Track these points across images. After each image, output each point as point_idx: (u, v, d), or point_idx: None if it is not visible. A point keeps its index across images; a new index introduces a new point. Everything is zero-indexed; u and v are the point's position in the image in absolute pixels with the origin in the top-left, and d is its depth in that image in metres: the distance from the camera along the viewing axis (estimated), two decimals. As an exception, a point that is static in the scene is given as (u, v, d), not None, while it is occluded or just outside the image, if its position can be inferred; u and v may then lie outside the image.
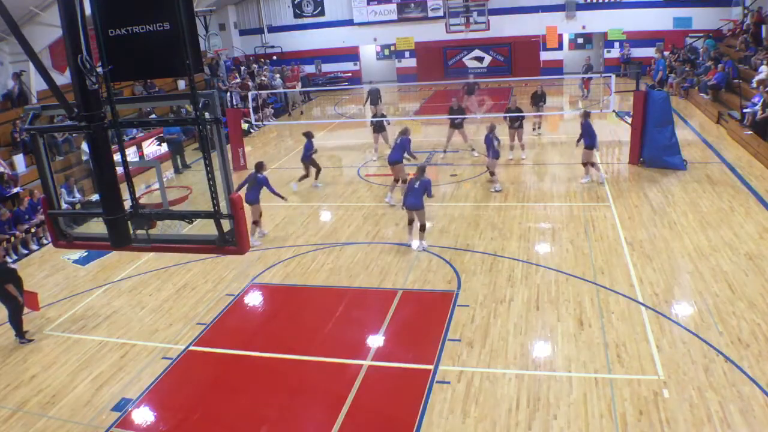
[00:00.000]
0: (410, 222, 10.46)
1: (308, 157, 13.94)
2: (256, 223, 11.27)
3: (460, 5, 26.50)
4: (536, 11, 26.30)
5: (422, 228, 10.35)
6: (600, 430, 5.92)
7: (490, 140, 12.69)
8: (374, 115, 16.77)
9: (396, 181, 12.81)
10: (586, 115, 13.20)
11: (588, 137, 12.92)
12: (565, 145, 16.32)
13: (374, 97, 19.07)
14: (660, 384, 6.47)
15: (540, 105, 17.24)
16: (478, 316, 8.17)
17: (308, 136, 13.94)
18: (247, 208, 11.12)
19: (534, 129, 17.59)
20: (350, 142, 18.96)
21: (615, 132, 17.16)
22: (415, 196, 10.09)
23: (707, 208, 11.12)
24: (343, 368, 7.36)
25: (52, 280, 10.66)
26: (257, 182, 11.12)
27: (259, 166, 11.32)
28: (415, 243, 10.47)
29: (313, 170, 14.15)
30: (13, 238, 11.83)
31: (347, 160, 16.80)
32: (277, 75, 26.10)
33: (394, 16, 28.05)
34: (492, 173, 13.04)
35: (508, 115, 15.24)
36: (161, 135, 17.49)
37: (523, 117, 15.14)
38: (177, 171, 16.77)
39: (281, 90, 24.73)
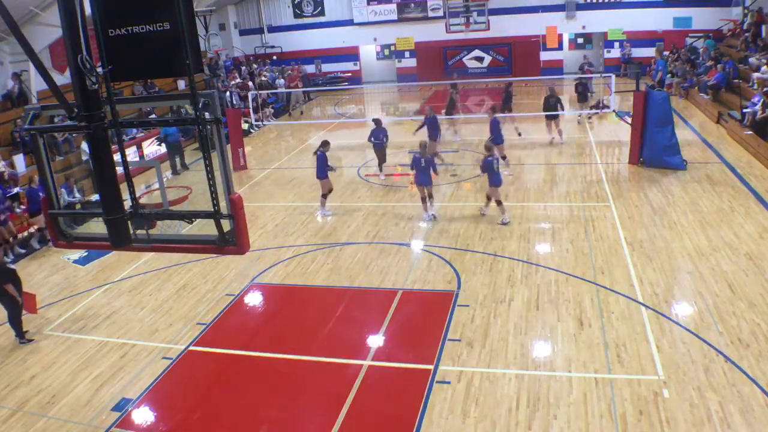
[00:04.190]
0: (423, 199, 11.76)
1: None
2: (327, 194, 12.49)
3: (460, 5, 26.49)
4: (536, 11, 26.31)
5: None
6: (600, 430, 5.92)
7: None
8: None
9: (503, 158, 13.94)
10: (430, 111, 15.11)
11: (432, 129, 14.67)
12: (565, 145, 16.31)
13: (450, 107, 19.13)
14: (660, 384, 6.47)
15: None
16: (478, 316, 8.16)
17: None
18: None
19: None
20: (350, 142, 18.94)
21: (615, 132, 17.16)
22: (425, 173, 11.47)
23: (707, 208, 11.12)
24: (343, 368, 7.36)
25: (52, 280, 10.66)
26: (318, 159, 12.21)
27: (324, 144, 12.44)
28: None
29: None
30: (12, 239, 11.82)
31: (347, 160, 16.79)
32: (280, 77, 26.06)
33: (394, 16, 28.05)
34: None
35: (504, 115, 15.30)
36: (159, 136, 17.47)
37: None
38: (175, 172, 16.70)
39: (281, 90, 24.73)
